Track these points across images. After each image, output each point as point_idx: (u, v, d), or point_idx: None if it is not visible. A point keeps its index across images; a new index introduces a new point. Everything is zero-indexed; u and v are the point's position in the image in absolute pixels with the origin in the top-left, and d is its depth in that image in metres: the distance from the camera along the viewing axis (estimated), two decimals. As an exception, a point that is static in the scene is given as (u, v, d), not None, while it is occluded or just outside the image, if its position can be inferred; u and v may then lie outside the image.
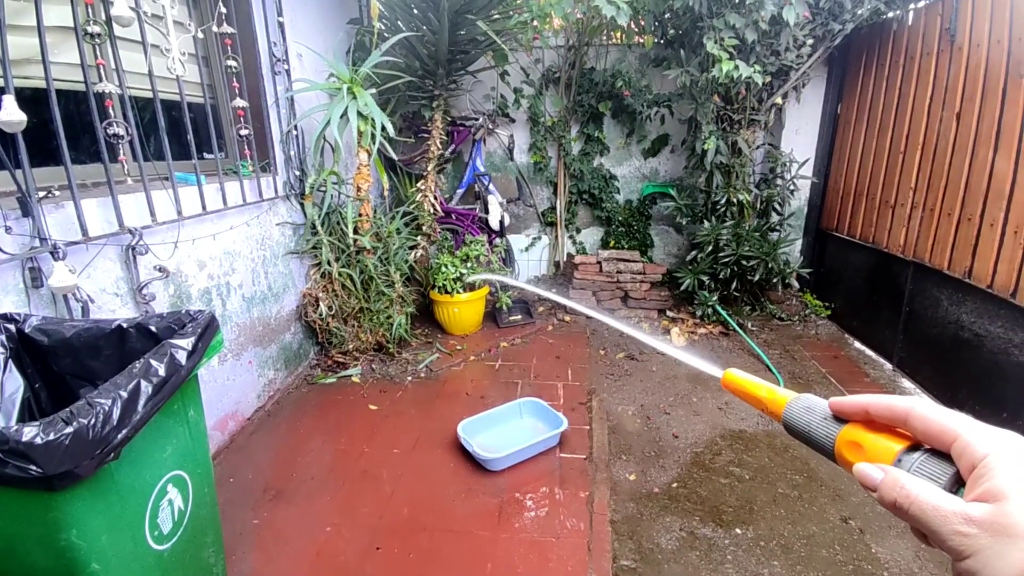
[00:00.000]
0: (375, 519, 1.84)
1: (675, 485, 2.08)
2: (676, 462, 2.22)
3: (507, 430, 2.32)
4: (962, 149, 2.54)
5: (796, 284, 3.74)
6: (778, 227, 3.74)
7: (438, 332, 3.47)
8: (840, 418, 0.39)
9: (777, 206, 3.72)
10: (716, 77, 3.01)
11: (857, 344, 3.39)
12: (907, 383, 2.88)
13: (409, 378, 2.87)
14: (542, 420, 2.36)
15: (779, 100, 3.46)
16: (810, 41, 3.17)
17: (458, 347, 3.26)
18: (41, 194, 1.49)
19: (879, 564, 1.70)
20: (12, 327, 1.17)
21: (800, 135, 3.89)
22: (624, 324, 0.72)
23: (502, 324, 3.60)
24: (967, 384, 2.50)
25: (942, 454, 0.33)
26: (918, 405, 0.35)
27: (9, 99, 1.27)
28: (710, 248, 3.52)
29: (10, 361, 1.13)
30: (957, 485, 0.32)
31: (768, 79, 3.19)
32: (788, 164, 3.67)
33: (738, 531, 1.84)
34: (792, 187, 3.68)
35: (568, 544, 1.73)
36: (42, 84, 1.46)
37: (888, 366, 3.07)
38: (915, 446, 0.35)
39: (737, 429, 2.43)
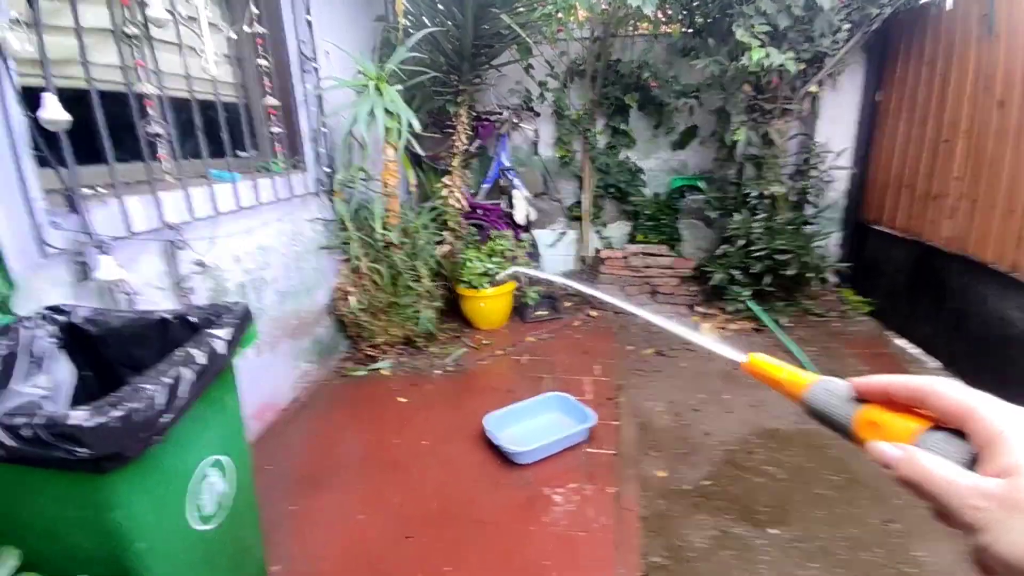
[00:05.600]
0: (405, 509, 1.87)
1: (706, 483, 2.05)
2: (707, 460, 2.19)
3: (534, 424, 2.32)
4: (1004, 139, 2.42)
5: (833, 279, 3.62)
6: (813, 220, 3.62)
7: (465, 326, 3.49)
8: (861, 399, 0.39)
9: (812, 198, 3.61)
10: (746, 66, 2.93)
11: (899, 341, 3.26)
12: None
13: (437, 371, 2.90)
14: (570, 415, 2.35)
15: (814, 88, 3.36)
16: (846, 26, 3.06)
17: (485, 341, 3.27)
18: (87, 191, 1.56)
19: (921, 567, 1.64)
20: (63, 318, 1.23)
21: (836, 124, 3.76)
22: (650, 313, 0.71)
23: (528, 319, 3.60)
24: (1015, 383, 2.38)
25: (961, 433, 0.33)
26: (937, 384, 0.34)
27: (51, 98, 1.33)
28: (741, 242, 3.44)
29: (61, 350, 1.19)
30: (974, 463, 0.32)
31: (802, 67, 3.09)
32: (823, 154, 3.55)
33: (774, 531, 1.80)
34: (828, 178, 3.56)
35: (596, 539, 1.72)
36: (84, 84, 1.52)
37: (932, 363, 2.95)
38: (935, 426, 0.35)
39: (771, 427, 2.37)
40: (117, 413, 0.83)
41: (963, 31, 2.74)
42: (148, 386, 0.90)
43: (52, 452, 0.80)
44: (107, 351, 1.26)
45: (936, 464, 0.32)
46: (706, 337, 0.55)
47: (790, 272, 3.33)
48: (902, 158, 3.32)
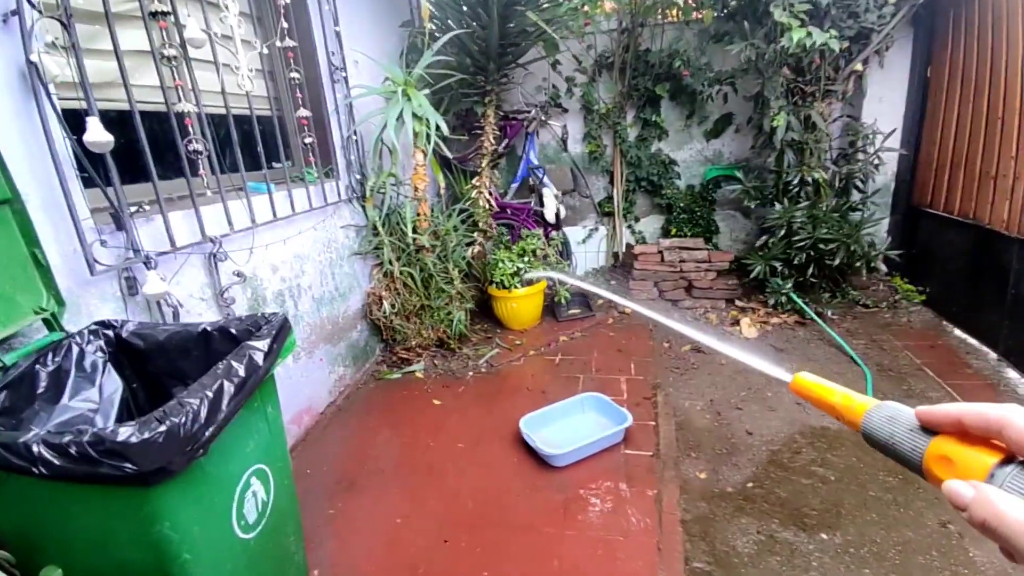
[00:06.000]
0: (442, 512, 1.88)
1: (750, 485, 1.98)
2: (751, 460, 2.11)
3: (570, 425, 2.30)
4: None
5: (884, 267, 3.44)
6: (860, 206, 3.44)
7: (497, 327, 3.49)
8: (928, 429, 0.36)
9: (859, 183, 3.43)
10: (786, 47, 2.80)
11: (957, 332, 3.07)
12: (1013, 373, 2.58)
13: (470, 373, 2.91)
14: (605, 415, 2.32)
15: (859, 67, 3.19)
16: (892, 0, 2.89)
17: (517, 342, 3.26)
18: (132, 209, 1.62)
19: (978, 570, 1.55)
20: (111, 332, 1.29)
21: (884, 103, 3.56)
22: (678, 322, 0.68)
23: (561, 318, 3.57)
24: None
25: None
26: (1015, 414, 0.32)
27: (93, 121, 1.39)
28: (783, 232, 3.30)
29: (109, 364, 1.25)
30: None
31: (846, 45, 2.93)
32: (871, 136, 3.37)
33: (824, 536, 1.72)
34: (876, 161, 3.38)
35: (637, 543, 1.69)
36: (125, 106, 1.58)
37: (992, 355, 2.76)
38: (1010, 458, 0.32)
39: (819, 426, 2.27)
40: (162, 428, 0.86)
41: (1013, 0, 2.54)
42: (191, 400, 0.93)
43: (99, 468, 0.82)
44: (153, 364, 1.31)
45: (1010, 505, 0.30)
46: (750, 355, 0.52)
47: (836, 262, 3.18)
48: (956, 137, 3.11)
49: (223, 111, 1.98)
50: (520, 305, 3.38)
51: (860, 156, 3.40)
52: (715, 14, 3.46)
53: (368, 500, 1.97)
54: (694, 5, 3.52)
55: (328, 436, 2.42)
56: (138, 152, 1.61)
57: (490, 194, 3.55)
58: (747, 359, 0.52)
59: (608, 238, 4.40)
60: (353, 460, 2.23)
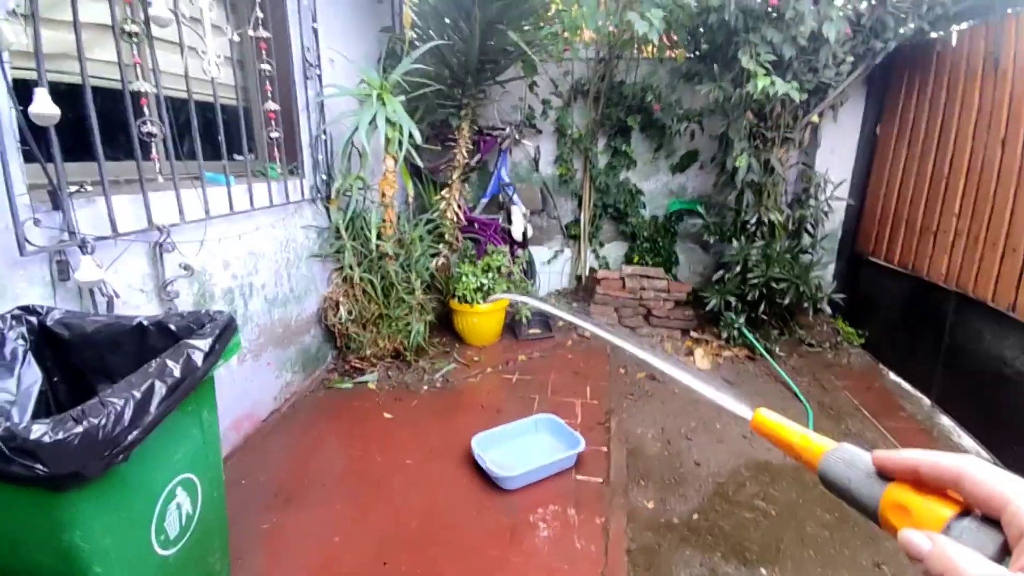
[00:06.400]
0: (384, 531, 1.80)
1: (696, 516, 2.00)
2: (697, 492, 2.14)
3: (522, 446, 2.26)
4: (1007, 177, 2.43)
5: (828, 309, 3.61)
6: (810, 249, 3.62)
7: (456, 342, 3.44)
8: (884, 475, 0.36)
9: (810, 227, 3.61)
10: (751, 93, 2.94)
11: (892, 376, 3.24)
12: (946, 420, 2.73)
13: (425, 387, 2.84)
14: (558, 438, 2.30)
15: (815, 118, 3.38)
16: (850, 59, 3.09)
17: (475, 358, 3.22)
18: (72, 189, 1.51)
19: (915, 614, 1.59)
20: (34, 319, 1.18)
21: (836, 155, 3.78)
22: (642, 350, 0.68)
23: (521, 336, 3.55)
24: (1010, 424, 2.35)
25: (994, 521, 0.32)
26: (971, 467, 0.33)
27: (42, 92, 1.29)
28: (738, 268, 3.42)
29: (29, 353, 1.14)
30: (1005, 554, 0.30)
31: (805, 96, 3.11)
32: (823, 184, 3.56)
33: (763, 571, 1.75)
34: (826, 208, 3.57)
35: (582, 571, 1.66)
36: (78, 80, 1.48)
37: (926, 401, 2.92)
38: (966, 511, 0.33)
39: (763, 460, 2.33)
40: (78, 429, 0.77)
41: (968, 68, 2.76)
42: (115, 400, 0.85)
43: (10, 467, 0.75)
44: (79, 357, 1.20)
45: (968, 560, 0.30)
46: (712, 388, 0.52)
47: (786, 301, 3.31)
48: (900, 192, 3.33)
49: (185, 95, 1.89)
50: (481, 321, 3.35)
51: (812, 202, 3.58)
52: (687, 54, 3.61)
53: (306, 515, 1.87)
54: (668, 44, 3.66)
55: (269, 445, 2.29)
56: (86, 129, 1.51)
57: (459, 207, 3.53)
58: (712, 394, 0.52)
59: (573, 261, 4.45)
60: (293, 471, 2.11)
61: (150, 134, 1.70)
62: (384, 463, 2.18)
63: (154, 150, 1.78)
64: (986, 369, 2.51)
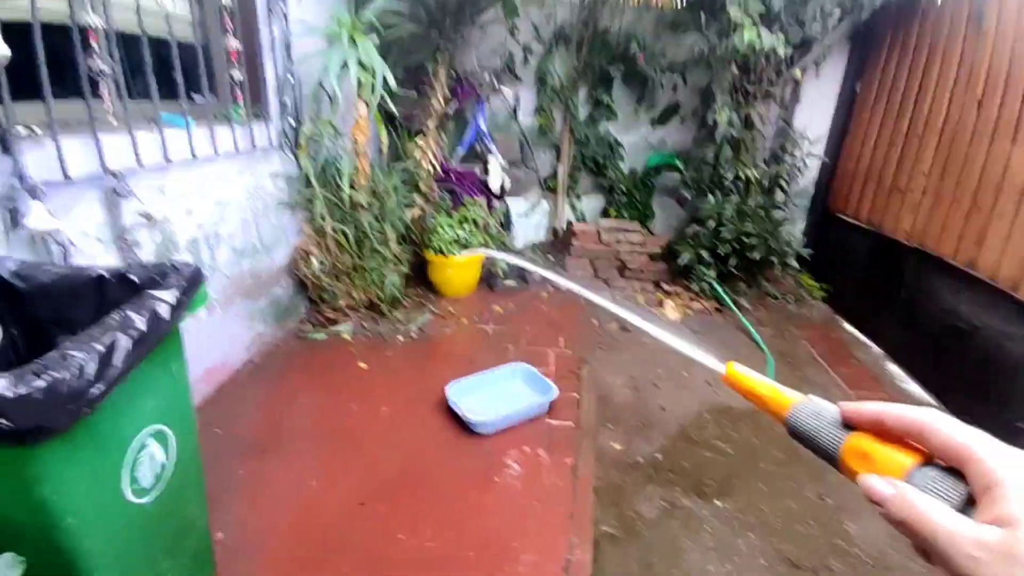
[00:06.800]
0: (361, 477, 1.85)
1: (659, 456, 2.11)
2: (662, 434, 2.25)
3: (496, 393, 2.32)
4: (981, 138, 2.47)
5: (795, 264, 3.71)
6: (783, 205, 3.66)
7: (431, 293, 3.44)
8: (850, 426, 0.37)
9: (784, 183, 3.64)
10: (736, 46, 2.87)
11: (848, 327, 3.39)
12: (895, 368, 2.89)
13: (400, 338, 2.86)
14: (532, 386, 2.36)
15: (798, 74, 3.34)
16: (837, 12, 3.03)
17: (451, 309, 3.23)
18: (21, 131, 1.41)
19: (851, 541, 1.75)
20: (-14, 270, 1.13)
21: (815, 112, 3.77)
22: (613, 303, 0.68)
23: (496, 288, 3.57)
24: (958, 375, 2.51)
25: (956, 471, 0.32)
26: (934, 419, 0.33)
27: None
28: (712, 223, 3.46)
29: (-16, 305, 1.09)
30: (968, 506, 0.31)
31: (790, 51, 3.05)
32: (800, 141, 3.57)
33: (718, 503, 1.88)
34: (801, 165, 3.59)
35: (550, 509, 1.75)
36: (23, 16, 1.35)
37: (877, 350, 3.08)
38: (928, 461, 0.33)
39: (724, 405, 2.44)
40: (40, 384, 0.76)
41: (951, 27, 2.74)
42: (77, 353, 0.83)
43: (-28, 421, 0.73)
44: (37, 309, 1.16)
45: (931, 507, 0.30)
46: (685, 343, 0.53)
47: (756, 256, 3.38)
48: (874, 150, 3.36)
49: (137, 30, 1.75)
50: (456, 273, 3.34)
51: (788, 159, 3.60)
52: (675, 3, 3.47)
53: (282, 463, 1.90)
54: (655, -11, 3.50)
55: (243, 395, 2.30)
56: (33, 67, 1.39)
57: (434, 156, 3.44)
58: (684, 348, 0.53)
59: (550, 213, 4.41)
60: (268, 421, 2.14)
61: (99, 71, 1.58)
62: (360, 412, 2.22)
63: (105, 88, 1.66)
64: (938, 323, 2.65)
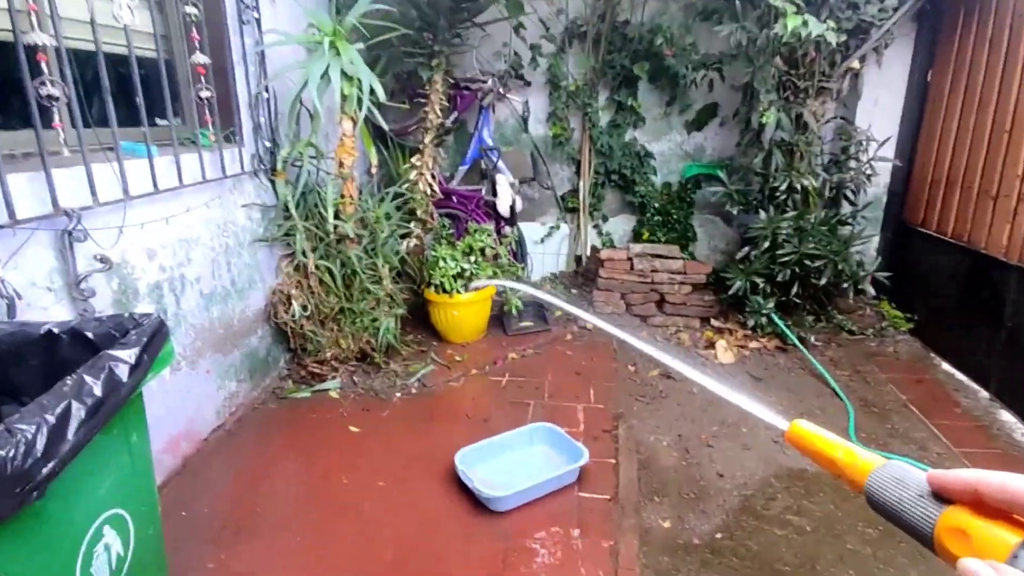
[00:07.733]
0: (354, 565, 1.83)
1: (719, 535, 2.05)
2: (721, 507, 2.19)
3: (515, 461, 2.29)
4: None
5: (871, 290, 3.68)
6: (850, 220, 3.66)
7: (433, 339, 3.45)
8: (941, 496, 0.38)
9: (850, 194, 3.66)
10: (779, 35, 2.94)
11: (945, 365, 3.32)
12: (1007, 416, 2.81)
13: (398, 394, 2.86)
14: (558, 450, 2.33)
15: (856, 64, 3.39)
16: (897, -8, 3.11)
17: (457, 358, 3.24)
18: (-40, 167, 1.48)
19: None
20: (-80, 329, 1.16)
21: (880, 107, 3.82)
22: (651, 345, 0.69)
23: (511, 331, 3.57)
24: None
25: None
26: None
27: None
28: (767, 244, 3.46)
29: (-84, 371, 1.12)
30: None
31: (843, 38, 3.12)
32: (865, 143, 3.59)
33: (796, 595, 1.81)
34: (869, 171, 3.60)
35: (588, 605, 1.70)
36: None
37: (984, 394, 3.01)
38: None
39: (796, 468, 2.38)
40: (-19, 463, 0.77)
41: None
42: (24, 427, 0.85)
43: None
44: (-23, 373, 1.19)
45: None
46: (740, 394, 0.53)
47: (822, 281, 3.36)
48: (955, 150, 3.37)
49: (92, 47, 1.84)
50: (463, 314, 3.36)
51: (852, 164, 3.62)
52: (705, -12, 3.60)
53: (260, 550, 1.89)
54: (682, -25, 3.64)
55: (213, 468, 2.30)
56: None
57: (433, 177, 3.51)
58: (741, 400, 0.53)
59: (571, 239, 4.46)
60: (244, 498, 2.13)
61: (51, 97, 1.66)
62: (351, 485, 2.21)
63: (57, 116, 1.74)
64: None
